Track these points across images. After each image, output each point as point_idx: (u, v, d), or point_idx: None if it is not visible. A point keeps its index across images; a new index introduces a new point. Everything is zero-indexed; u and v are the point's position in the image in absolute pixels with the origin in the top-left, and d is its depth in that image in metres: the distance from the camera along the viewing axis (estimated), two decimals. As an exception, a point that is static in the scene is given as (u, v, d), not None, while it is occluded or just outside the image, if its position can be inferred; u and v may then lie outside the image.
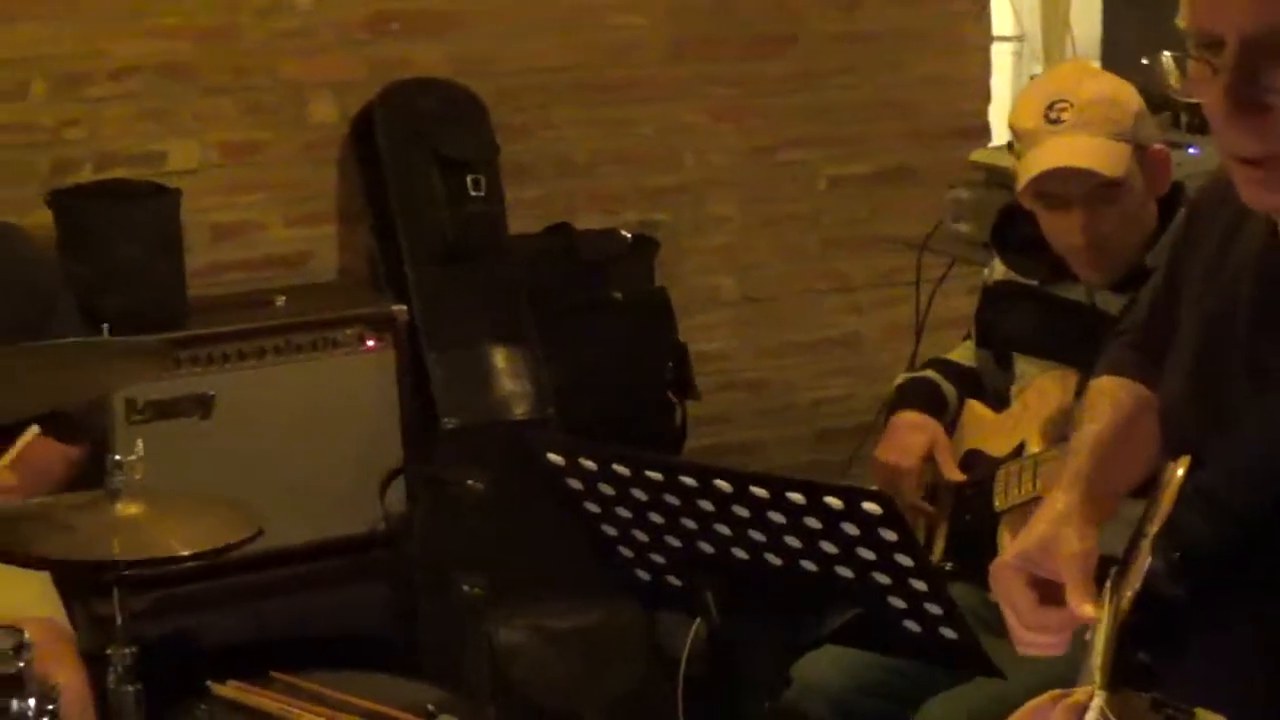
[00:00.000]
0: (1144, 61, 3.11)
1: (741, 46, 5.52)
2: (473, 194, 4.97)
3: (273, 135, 5.06)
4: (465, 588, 4.41)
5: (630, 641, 4.44)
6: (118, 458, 3.00)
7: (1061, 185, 3.17)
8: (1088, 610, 1.90)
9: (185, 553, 3.00)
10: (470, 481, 4.47)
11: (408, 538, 4.67)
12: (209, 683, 3.22)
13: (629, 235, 5.31)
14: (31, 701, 2.90)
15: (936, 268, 4.89)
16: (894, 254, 5.31)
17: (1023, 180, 3.21)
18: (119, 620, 3.02)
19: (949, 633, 2.62)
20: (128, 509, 2.99)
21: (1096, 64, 5.19)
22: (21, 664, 2.91)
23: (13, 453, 3.33)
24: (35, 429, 3.36)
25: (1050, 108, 3.17)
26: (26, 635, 2.96)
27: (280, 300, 4.83)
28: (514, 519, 4.38)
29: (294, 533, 4.48)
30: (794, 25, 5.57)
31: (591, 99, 5.37)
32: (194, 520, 3.10)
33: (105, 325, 3.31)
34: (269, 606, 4.58)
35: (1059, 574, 1.97)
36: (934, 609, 2.60)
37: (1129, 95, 3.19)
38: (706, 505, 2.63)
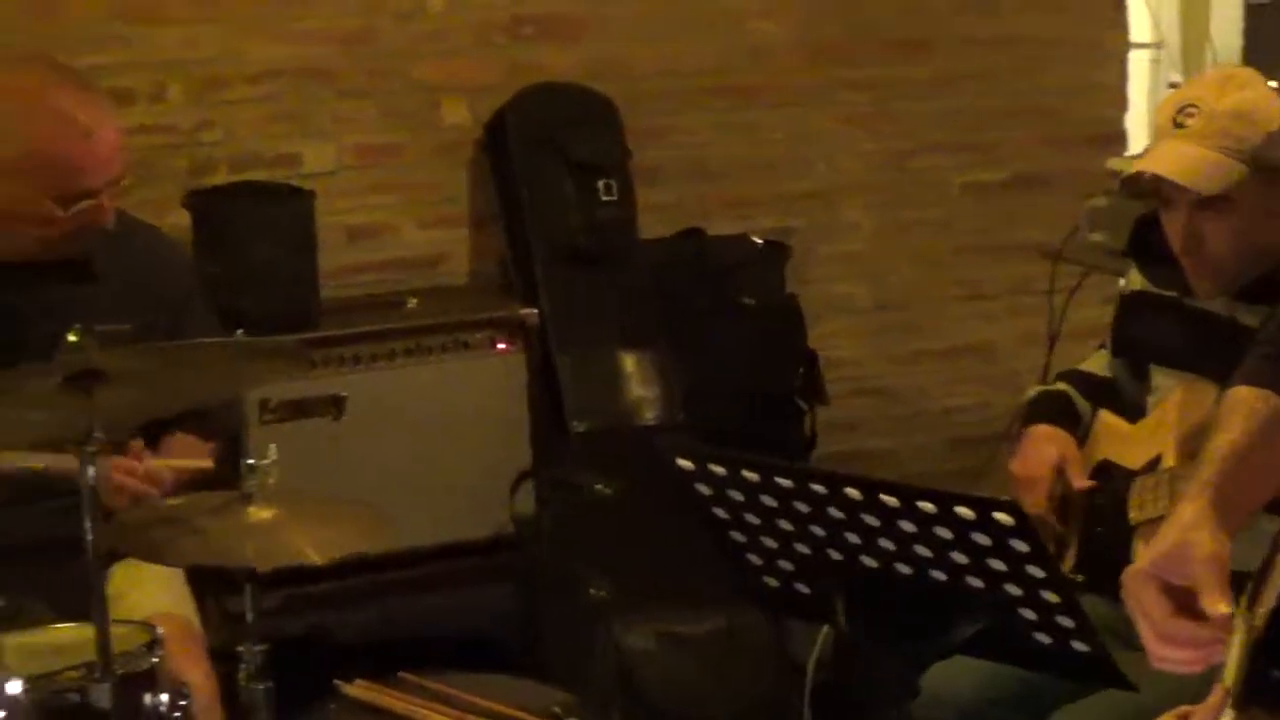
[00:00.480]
0: (1272, 84, 3.08)
1: (876, 51, 5.49)
2: (604, 198, 4.99)
3: (407, 138, 5.09)
4: (592, 591, 4.41)
5: (757, 648, 4.42)
6: (251, 462, 3.01)
7: (1169, 189, 3.16)
8: (1222, 609, 1.87)
9: (318, 559, 3.01)
10: (598, 486, 4.47)
11: (536, 541, 4.67)
12: (337, 681, 3.24)
13: (760, 241, 5.30)
14: (164, 697, 2.93)
15: (1071, 276, 4.84)
16: (1027, 262, 5.27)
17: (1126, 173, 3.22)
18: (250, 618, 3.04)
19: (1080, 646, 2.58)
20: (261, 513, 3.00)
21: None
22: (155, 660, 2.94)
23: (175, 461, 3.37)
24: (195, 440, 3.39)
25: (1182, 110, 3.15)
26: (159, 632, 3.00)
27: (412, 302, 4.86)
28: (642, 524, 4.38)
29: (423, 533, 4.51)
30: (930, 30, 5.54)
31: (725, 103, 5.37)
32: (327, 525, 3.10)
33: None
34: (397, 606, 4.61)
35: (1193, 578, 1.94)
36: (1065, 621, 2.56)
37: (1270, 113, 3.14)
38: (836, 513, 2.61)
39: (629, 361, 4.91)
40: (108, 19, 4.78)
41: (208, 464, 3.41)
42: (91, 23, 4.75)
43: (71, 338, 2.80)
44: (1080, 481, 3.35)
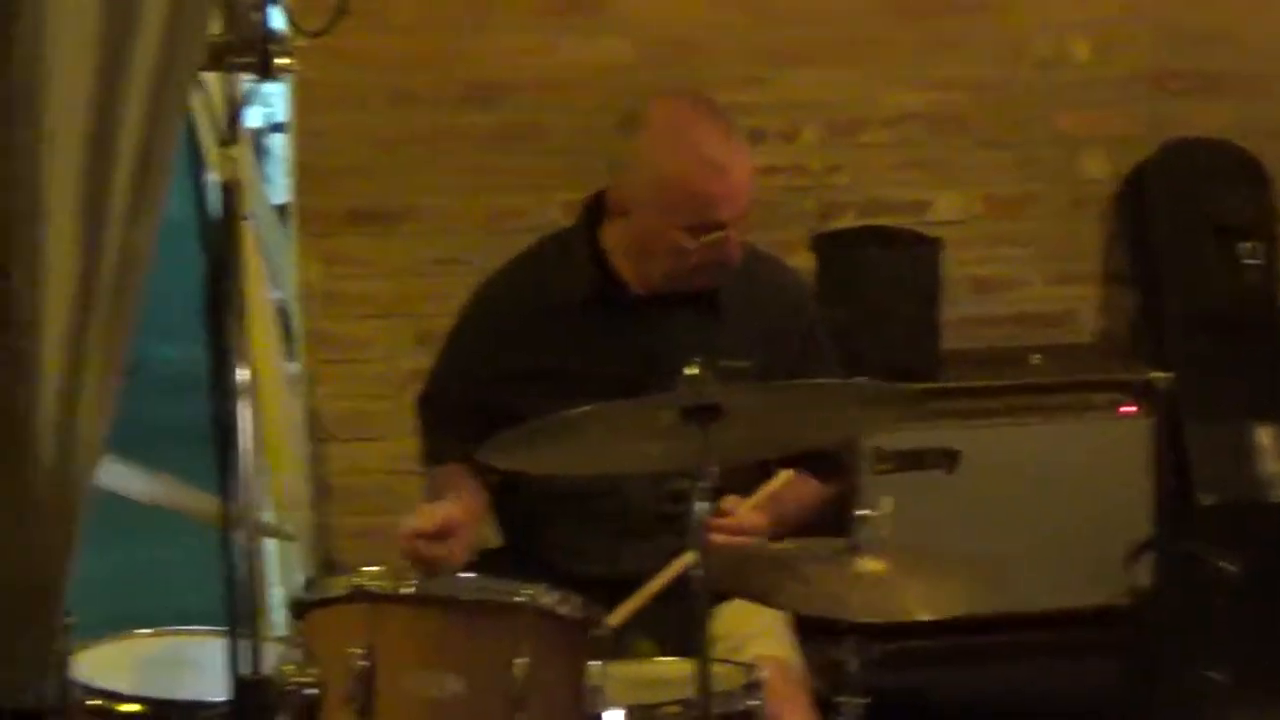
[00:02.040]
0: None
1: None
2: (1247, 261, 4.81)
3: (1040, 190, 5.00)
4: (1210, 675, 4.22)
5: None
6: (865, 512, 2.95)
7: None
8: None
9: (924, 617, 2.92)
10: (1224, 563, 4.27)
11: (1151, 615, 4.51)
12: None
13: None
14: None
15: None
16: None
17: None
18: (853, 669, 2.98)
19: None
20: (870, 565, 2.94)
21: None
22: (753, 703, 2.91)
23: (763, 493, 3.34)
24: (790, 473, 3.36)
25: None
26: (761, 674, 2.96)
27: (1036, 359, 4.78)
28: (1270, 607, 4.18)
29: (1032, 597, 4.38)
30: None
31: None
32: (937, 583, 3.02)
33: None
34: (999, 669, 4.54)
35: None
36: None
37: None
38: None
39: (1264, 434, 4.71)
40: (748, 59, 4.83)
41: (787, 474, 3.36)
42: (732, 62, 4.81)
43: (690, 371, 2.79)
44: None
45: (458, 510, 3.29)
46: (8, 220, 1.27)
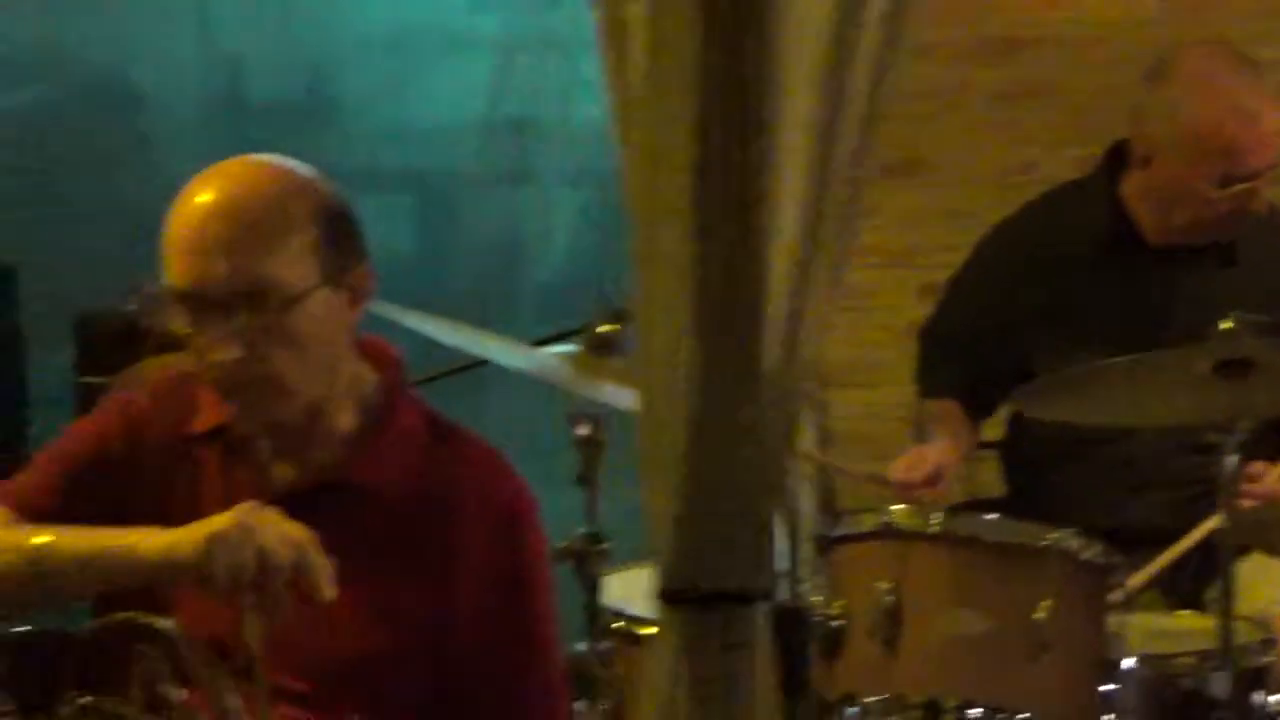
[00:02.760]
0: None
1: None
2: None
3: None
4: None
5: None
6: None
7: None
8: None
9: None
10: None
11: None
12: None
13: None
14: (1273, 698, 2.88)
15: None
16: None
17: None
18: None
19: None
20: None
21: None
22: (1267, 659, 2.90)
23: None
24: None
25: None
26: (1275, 632, 2.94)
27: None
28: None
29: None
30: None
31: None
32: None
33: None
34: None
35: None
36: None
37: None
38: None
39: None
40: (1270, 13, 4.70)
41: None
42: (1253, 17, 4.68)
43: (1226, 325, 2.78)
44: None
45: (945, 455, 3.41)
46: (753, 150, 1.39)
